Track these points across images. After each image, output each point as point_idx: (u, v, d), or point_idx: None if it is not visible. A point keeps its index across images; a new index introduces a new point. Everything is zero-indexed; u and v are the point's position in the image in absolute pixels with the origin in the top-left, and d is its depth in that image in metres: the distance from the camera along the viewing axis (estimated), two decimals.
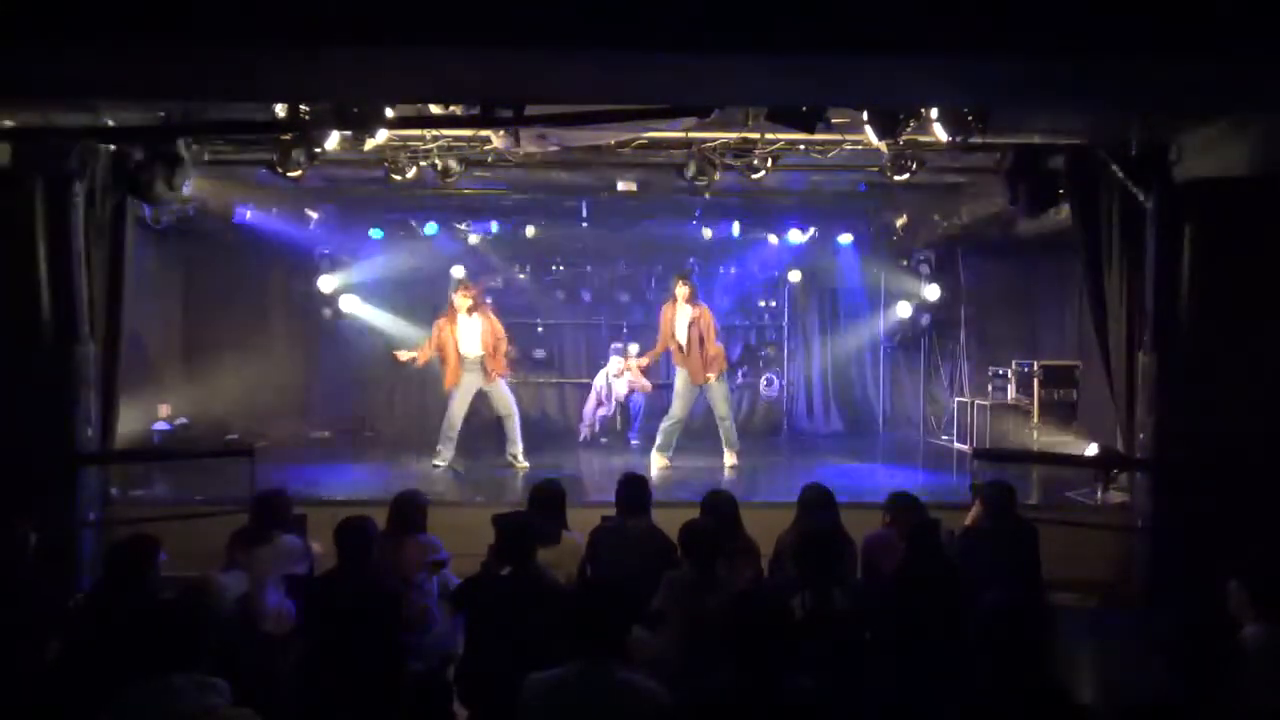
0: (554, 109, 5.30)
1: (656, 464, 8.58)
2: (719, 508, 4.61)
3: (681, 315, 8.64)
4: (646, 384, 10.50)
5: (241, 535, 4.57)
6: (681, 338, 8.61)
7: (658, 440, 8.71)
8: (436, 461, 8.46)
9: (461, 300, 8.62)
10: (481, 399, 8.78)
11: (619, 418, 10.56)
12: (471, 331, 8.58)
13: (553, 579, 3.94)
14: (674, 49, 3.66)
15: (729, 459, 8.73)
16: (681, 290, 8.67)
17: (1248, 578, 3.46)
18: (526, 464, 8.60)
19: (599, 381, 10.55)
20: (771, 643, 2.76)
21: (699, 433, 9.32)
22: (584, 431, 10.50)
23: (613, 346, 10.88)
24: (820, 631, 3.45)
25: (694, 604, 3.66)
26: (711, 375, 8.54)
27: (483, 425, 9.45)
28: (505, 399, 8.68)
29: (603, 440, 10.42)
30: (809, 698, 2.75)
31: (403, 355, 8.97)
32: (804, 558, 3.84)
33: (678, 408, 8.71)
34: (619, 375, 10.45)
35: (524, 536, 3.92)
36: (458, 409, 8.54)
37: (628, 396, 10.51)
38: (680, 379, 8.76)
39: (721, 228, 10.69)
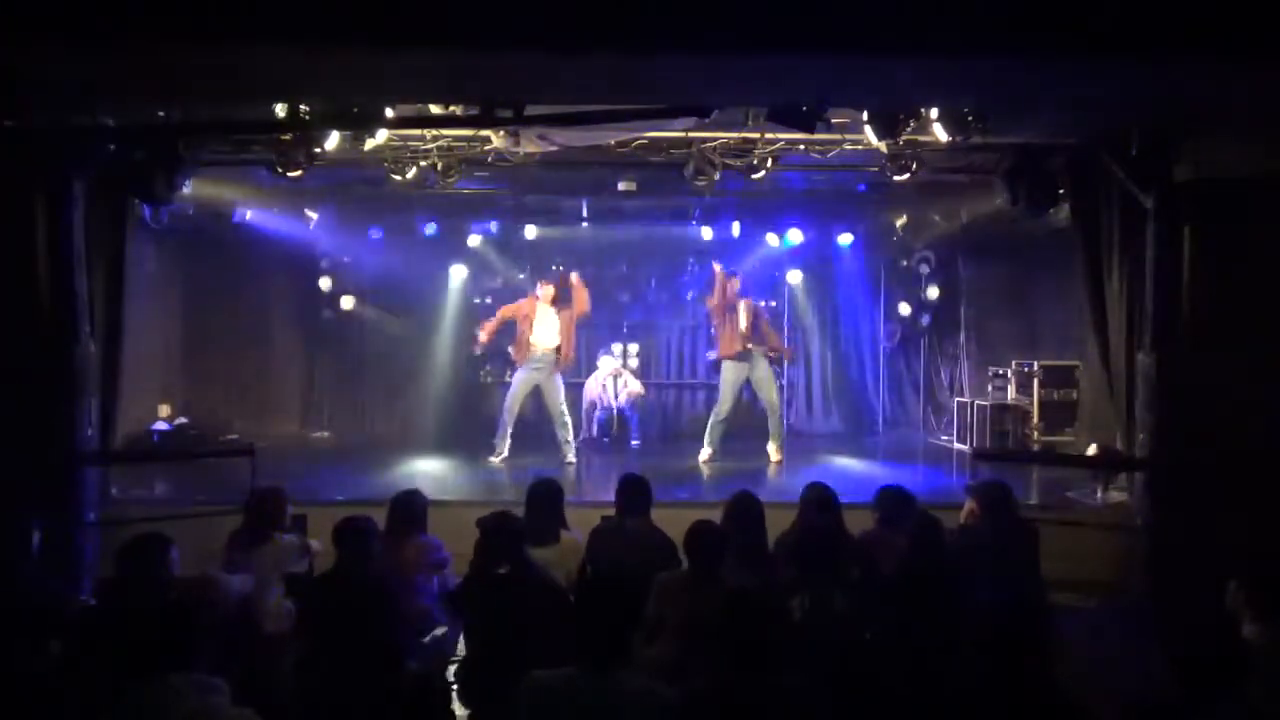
0: (554, 109, 5.30)
1: (703, 456, 9.02)
2: (740, 510, 4.48)
3: (743, 309, 9.00)
4: (638, 387, 10.55)
5: (239, 535, 4.57)
6: (744, 327, 8.98)
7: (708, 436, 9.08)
8: (492, 457, 8.73)
9: (545, 290, 8.88)
10: (536, 396, 8.99)
11: (615, 421, 10.48)
12: (549, 323, 8.81)
13: (549, 576, 3.94)
14: (674, 49, 3.66)
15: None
16: (733, 284, 9.05)
17: (1247, 578, 3.46)
18: (574, 460, 8.86)
19: (591, 385, 10.51)
20: (770, 643, 2.76)
21: (701, 433, 9.34)
22: (582, 433, 10.49)
23: (603, 351, 10.84)
24: (819, 632, 3.45)
25: (690, 605, 3.65)
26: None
27: (486, 422, 9.45)
28: (559, 399, 8.87)
29: (605, 440, 10.40)
30: (808, 698, 2.75)
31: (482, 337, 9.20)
32: (803, 558, 3.84)
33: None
34: (613, 377, 10.42)
35: (511, 534, 3.93)
36: (513, 402, 8.81)
37: (626, 403, 10.43)
38: (733, 373, 9.00)
39: (721, 228, 10.69)
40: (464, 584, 3.99)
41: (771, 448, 9.10)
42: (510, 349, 9.10)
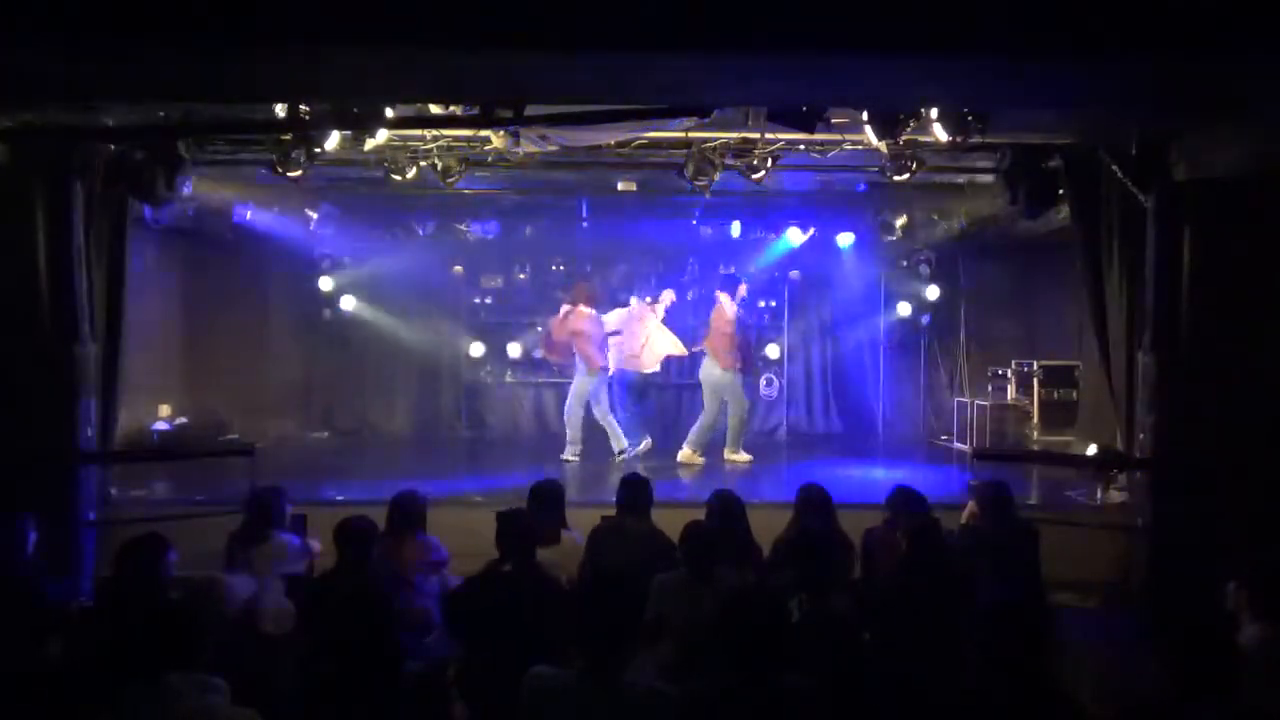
0: (554, 109, 5.29)
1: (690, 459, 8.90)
2: (724, 509, 4.58)
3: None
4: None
5: (239, 535, 4.58)
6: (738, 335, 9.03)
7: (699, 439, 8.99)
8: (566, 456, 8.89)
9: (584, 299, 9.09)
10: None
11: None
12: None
13: (553, 576, 3.94)
14: (674, 49, 3.66)
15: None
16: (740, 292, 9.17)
17: (1247, 578, 3.46)
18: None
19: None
20: (769, 644, 2.76)
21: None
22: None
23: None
24: (817, 632, 3.45)
25: (689, 606, 3.65)
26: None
27: (485, 421, 9.44)
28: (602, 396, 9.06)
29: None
30: (807, 699, 2.75)
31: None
32: (801, 558, 3.84)
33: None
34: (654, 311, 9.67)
35: (525, 533, 3.93)
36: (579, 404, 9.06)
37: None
38: (735, 379, 9.02)
39: (721, 228, 10.68)
40: (465, 583, 3.99)
41: (726, 451, 9.08)
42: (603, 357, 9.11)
